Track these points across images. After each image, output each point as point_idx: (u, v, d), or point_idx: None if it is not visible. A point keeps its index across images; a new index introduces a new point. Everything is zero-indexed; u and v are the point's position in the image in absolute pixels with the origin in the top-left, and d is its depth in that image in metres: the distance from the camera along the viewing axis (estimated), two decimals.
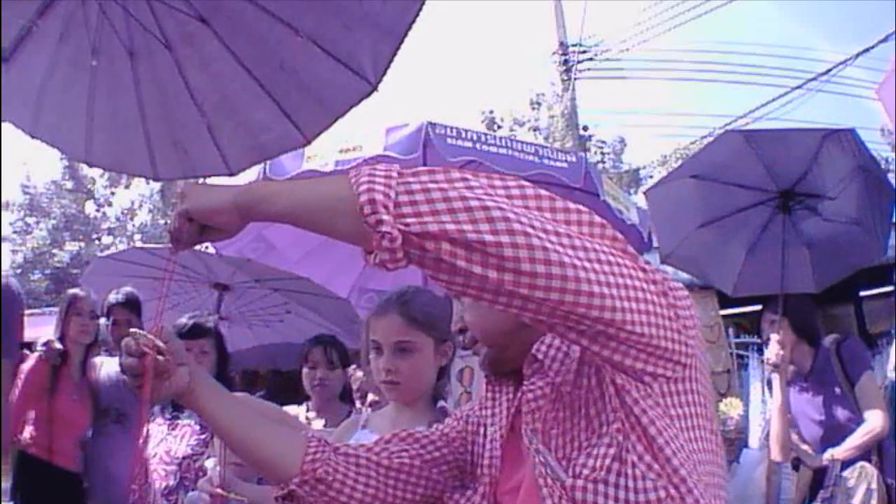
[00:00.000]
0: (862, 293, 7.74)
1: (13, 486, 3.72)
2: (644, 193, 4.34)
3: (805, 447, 3.31)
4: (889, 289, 6.93)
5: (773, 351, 3.30)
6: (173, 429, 2.97)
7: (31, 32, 2.77)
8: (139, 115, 3.12)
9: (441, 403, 1.87)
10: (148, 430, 3.04)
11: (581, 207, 0.96)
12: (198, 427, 2.92)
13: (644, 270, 0.97)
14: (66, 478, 3.70)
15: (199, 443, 2.88)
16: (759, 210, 4.09)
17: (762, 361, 3.42)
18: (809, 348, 3.36)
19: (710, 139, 4.05)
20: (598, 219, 0.97)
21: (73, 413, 3.72)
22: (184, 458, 2.86)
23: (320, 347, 3.20)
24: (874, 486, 3.03)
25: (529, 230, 0.87)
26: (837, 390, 3.25)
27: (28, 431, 3.65)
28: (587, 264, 0.90)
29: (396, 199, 0.87)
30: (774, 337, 3.31)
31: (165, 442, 2.94)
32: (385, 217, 0.86)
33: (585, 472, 0.99)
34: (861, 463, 3.08)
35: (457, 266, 0.88)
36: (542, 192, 0.95)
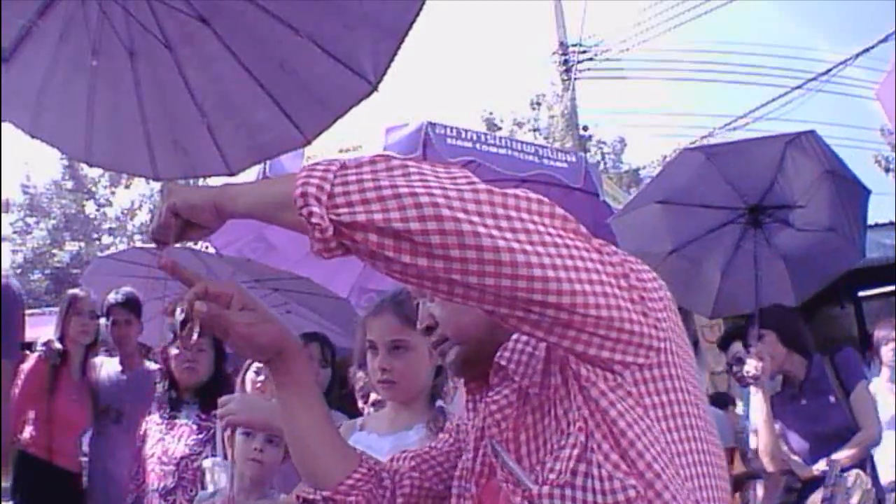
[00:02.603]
0: (862, 293, 7.75)
1: (13, 486, 3.72)
2: (608, 223, 4.21)
3: (795, 458, 3.30)
4: (889, 289, 6.94)
5: (752, 364, 3.28)
6: (171, 429, 2.96)
7: (31, 32, 2.77)
8: (139, 114, 3.13)
9: (439, 403, 1.87)
10: (146, 429, 3.04)
11: (520, 192, 0.92)
12: (195, 427, 2.91)
13: (599, 251, 0.93)
14: (66, 478, 3.70)
15: (196, 443, 2.87)
16: (730, 229, 4.06)
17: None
18: (801, 358, 3.34)
19: (675, 157, 3.99)
20: (545, 200, 0.93)
21: (72, 413, 3.72)
22: (181, 458, 2.85)
23: (317, 344, 3.22)
24: (869, 495, 3.04)
25: (460, 215, 0.86)
26: (832, 398, 3.25)
27: (28, 431, 3.65)
28: (528, 247, 0.87)
29: (332, 190, 0.89)
30: (753, 350, 3.30)
31: (163, 442, 2.93)
32: (315, 209, 0.88)
33: (552, 476, 0.96)
34: (856, 470, 3.09)
35: (386, 256, 0.88)
36: (481, 184, 0.92)
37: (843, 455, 3.14)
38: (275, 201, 0.96)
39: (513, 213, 0.89)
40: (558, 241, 0.90)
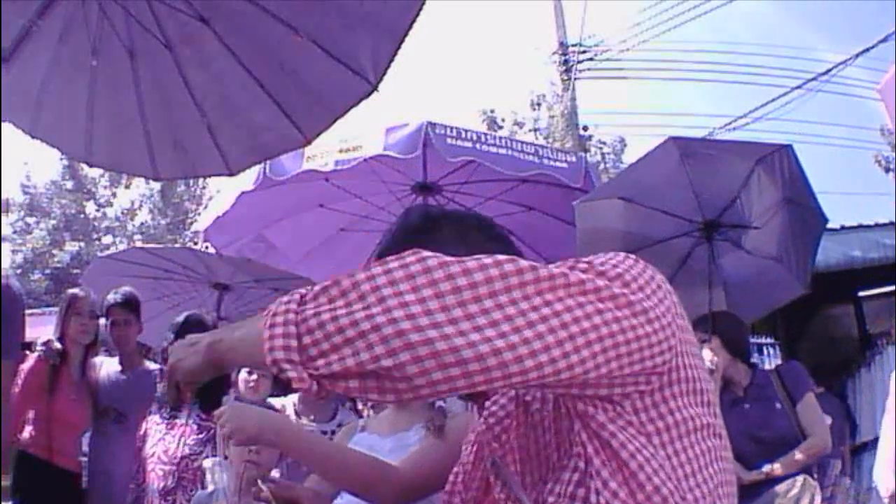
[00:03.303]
0: (862, 293, 7.74)
1: (13, 486, 3.71)
2: (573, 205, 4.16)
3: (736, 464, 3.30)
4: (889, 289, 6.93)
5: (707, 357, 3.28)
6: (171, 428, 2.96)
7: (31, 32, 2.77)
8: (139, 115, 3.13)
9: (439, 403, 1.87)
10: (146, 429, 3.04)
11: (492, 265, 0.87)
12: (196, 427, 2.91)
13: (597, 291, 0.90)
14: (66, 478, 3.69)
15: (196, 442, 2.87)
16: (682, 241, 4.06)
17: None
18: (745, 366, 3.36)
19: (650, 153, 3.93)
20: (523, 264, 0.89)
21: (72, 413, 3.72)
22: (182, 458, 2.85)
23: None
24: (817, 499, 3.03)
25: (431, 333, 0.82)
26: (778, 406, 3.26)
27: (28, 431, 3.64)
28: (513, 337, 0.83)
29: (300, 343, 0.86)
30: (707, 346, 3.30)
31: (163, 442, 2.93)
32: (292, 374, 0.86)
33: (550, 499, 0.96)
34: (803, 475, 3.08)
35: (370, 396, 0.87)
36: (439, 270, 0.86)
37: (789, 462, 3.13)
38: (262, 355, 0.90)
39: (487, 303, 0.85)
40: (546, 311, 0.86)
